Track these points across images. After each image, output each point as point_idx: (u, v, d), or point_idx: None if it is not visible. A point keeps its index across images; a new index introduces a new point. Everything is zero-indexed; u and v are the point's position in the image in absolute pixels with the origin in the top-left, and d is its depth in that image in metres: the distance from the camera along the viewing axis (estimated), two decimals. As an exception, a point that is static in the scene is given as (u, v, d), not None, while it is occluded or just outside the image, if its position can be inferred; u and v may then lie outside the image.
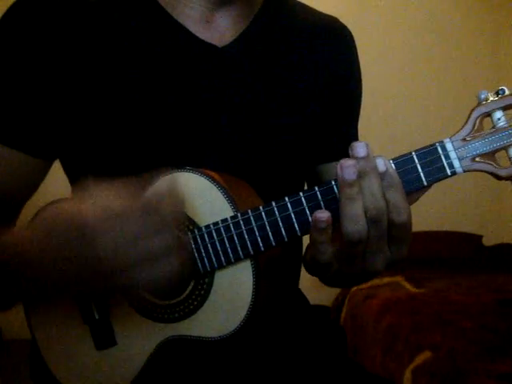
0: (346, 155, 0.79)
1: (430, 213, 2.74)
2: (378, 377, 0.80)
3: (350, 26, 0.80)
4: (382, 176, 0.51)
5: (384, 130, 2.61)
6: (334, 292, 2.47)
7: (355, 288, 2.32)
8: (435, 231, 2.74)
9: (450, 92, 2.65)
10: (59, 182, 0.76)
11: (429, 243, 2.68)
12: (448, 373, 1.53)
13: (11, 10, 0.66)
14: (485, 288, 2.23)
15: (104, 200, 0.49)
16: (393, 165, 0.53)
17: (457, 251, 2.70)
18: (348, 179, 0.50)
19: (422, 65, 2.77)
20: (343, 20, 0.80)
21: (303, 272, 0.67)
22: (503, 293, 2.16)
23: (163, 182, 0.58)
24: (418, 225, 2.78)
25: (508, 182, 0.55)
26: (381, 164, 0.51)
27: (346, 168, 0.50)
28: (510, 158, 0.53)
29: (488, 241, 2.76)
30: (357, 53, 0.79)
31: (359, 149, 0.51)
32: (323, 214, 0.51)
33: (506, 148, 0.53)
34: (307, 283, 0.85)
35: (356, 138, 0.83)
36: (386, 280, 2.37)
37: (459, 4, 2.82)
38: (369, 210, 0.51)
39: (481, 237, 2.76)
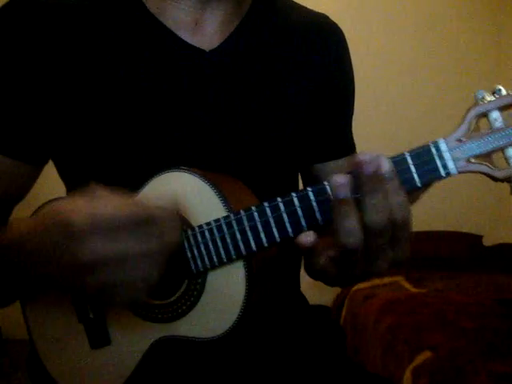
0: (341, 154, 0.79)
1: (430, 213, 2.73)
2: (377, 376, 0.80)
3: (347, 25, 0.80)
4: (387, 181, 0.48)
5: (382, 130, 2.60)
6: (334, 292, 2.47)
7: (355, 288, 2.31)
8: (435, 231, 2.72)
9: (451, 92, 2.64)
10: (55, 182, 0.76)
11: (429, 243, 2.67)
12: (448, 373, 1.53)
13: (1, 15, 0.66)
14: (485, 288, 2.22)
15: (95, 202, 0.49)
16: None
17: (457, 251, 2.69)
18: (340, 197, 0.48)
19: (422, 63, 2.76)
20: (340, 18, 0.80)
21: (303, 272, 0.67)
22: (503, 293, 2.15)
23: (155, 184, 0.59)
24: (418, 225, 2.77)
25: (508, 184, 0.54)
26: (386, 167, 0.48)
27: (339, 187, 0.48)
28: (506, 159, 0.52)
29: (488, 241, 2.75)
30: (348, 50, 0.79)
31: (367, 166, 0.47)
32: (307, 238, 0.50)
33: (502, 149, 0.52)
34: (307, 283, 0.85)
35: (350, 137, 0.83)
36: (386, 280, 2.36)
37: (460, 2, 2.81)
38: (372, 224, 0.48)
39: (481, 237, 2.75)
